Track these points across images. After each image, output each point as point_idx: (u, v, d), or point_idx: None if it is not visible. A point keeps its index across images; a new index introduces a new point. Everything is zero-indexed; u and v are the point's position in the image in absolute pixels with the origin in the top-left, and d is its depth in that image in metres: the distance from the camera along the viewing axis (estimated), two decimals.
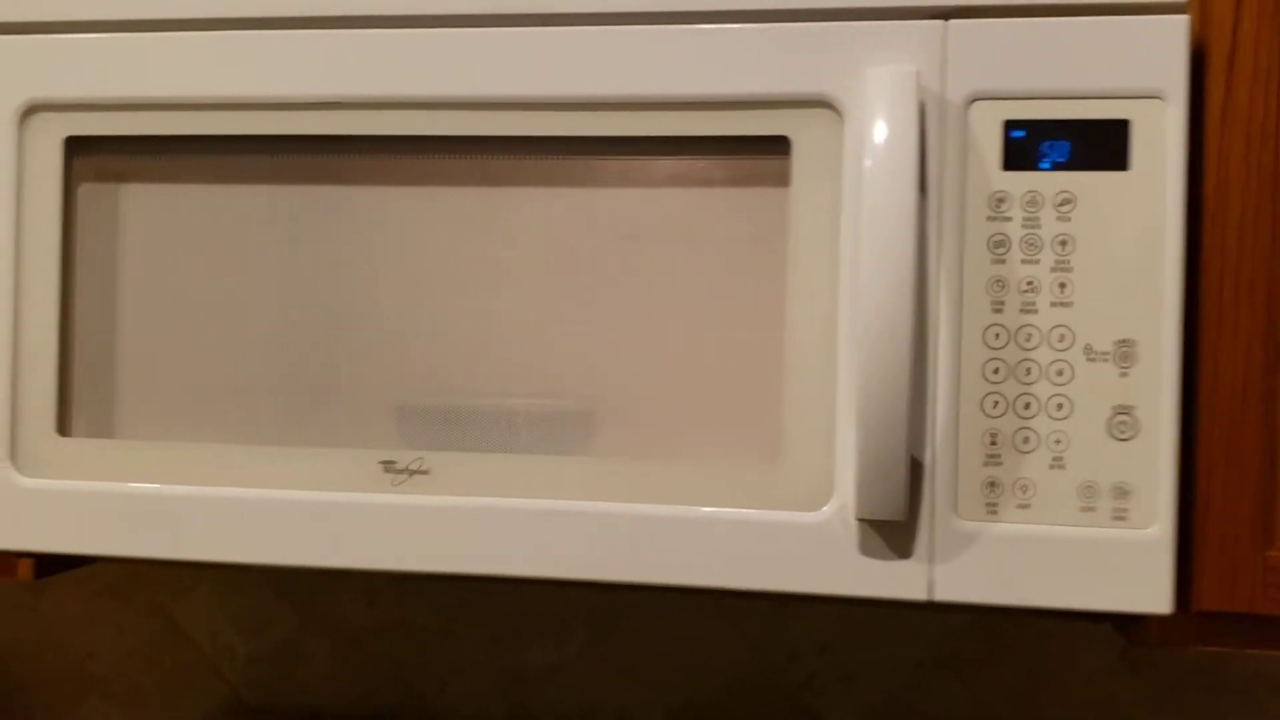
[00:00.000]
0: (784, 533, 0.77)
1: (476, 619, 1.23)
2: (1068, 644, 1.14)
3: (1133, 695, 1.13)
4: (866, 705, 1.17)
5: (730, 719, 1.19)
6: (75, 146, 0.85)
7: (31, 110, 0.85)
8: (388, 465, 0.81)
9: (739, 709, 1.19)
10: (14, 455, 0.86)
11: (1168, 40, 0.74)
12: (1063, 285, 0.75)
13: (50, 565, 0.98)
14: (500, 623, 1.22)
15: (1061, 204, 0.75)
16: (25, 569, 0.95)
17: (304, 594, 1.26)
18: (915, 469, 0.75)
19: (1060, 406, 0.75)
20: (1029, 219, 0.75)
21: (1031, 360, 0.75)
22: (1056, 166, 0.75)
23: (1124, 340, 0.74)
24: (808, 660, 1.18)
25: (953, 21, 0.76)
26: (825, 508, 0.76)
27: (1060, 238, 0.75)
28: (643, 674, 1.21)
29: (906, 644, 1.16)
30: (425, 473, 0.81)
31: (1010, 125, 0.75)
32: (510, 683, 1.22)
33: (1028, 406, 0.75)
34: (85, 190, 0.86)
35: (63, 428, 0.86)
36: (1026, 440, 0.75)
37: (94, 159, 0.86)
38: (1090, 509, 0.75)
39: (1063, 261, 0.74)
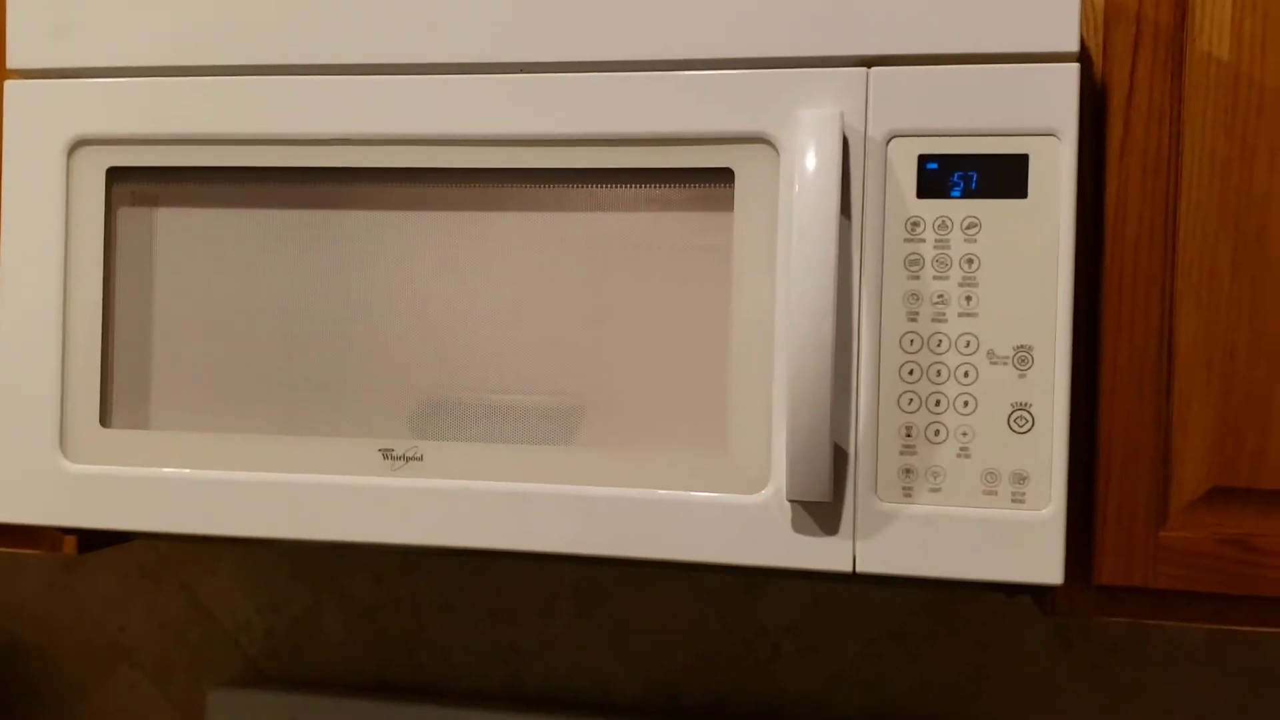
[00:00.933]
0: (728, 512, 0.87)
1: (475, 595, 1.33)
2: (1009, 620, 1.24)
3: (1065, 668, 1.23)
4: (826, 675, 1.27)
5: (703, 688, 1.30)
6: (115, 175, 0.97)
7: (79, 144, 0.96)
8: (386, 452, 0.92)
9: (711, 679, 1.29)
10: (62, 444, 0.97)
11: (1061, 85, 0.84)
12: (969, 298, 0.85)
13: (91, 542, 1.10)
14: (497, 599, 1.33)
15: (968, 227, 0.85)
16: (69, 544, 1.07)
17: (318, 573, 1.36)
18: (840, 457, 0.86)
19: (966, 403, 0.85)
20: (940, 240, 0.85)
21: (942, 363, 0.85)
22: (965, 194, 0.85)
23: (1022, 346, 0.85)
24: (773, 635, 1.28)
25: (874, 69, 0.86)
26: (763, 491, 0.87)
27: (967, 256, 0.85)
28: (624, 646, 1.31)
29: (863, 620, 1.27)
30: (419, 459, 0.92)
31: (924, 159, 0.85)
32: (506, 653, 1.33)
33: (938, 403, 0.85)
34: (124, 213, 0.97)
35: (104, 420, 0.97)
36: (937, 433, 0.85)
37: (131, 186, 0.97)
38: (993, 492, 0.85)
39: (969, 277, 0.85)
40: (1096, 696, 1.22)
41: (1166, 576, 0.90)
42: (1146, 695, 1.21)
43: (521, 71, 0.90)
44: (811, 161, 0.83)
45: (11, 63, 0.97)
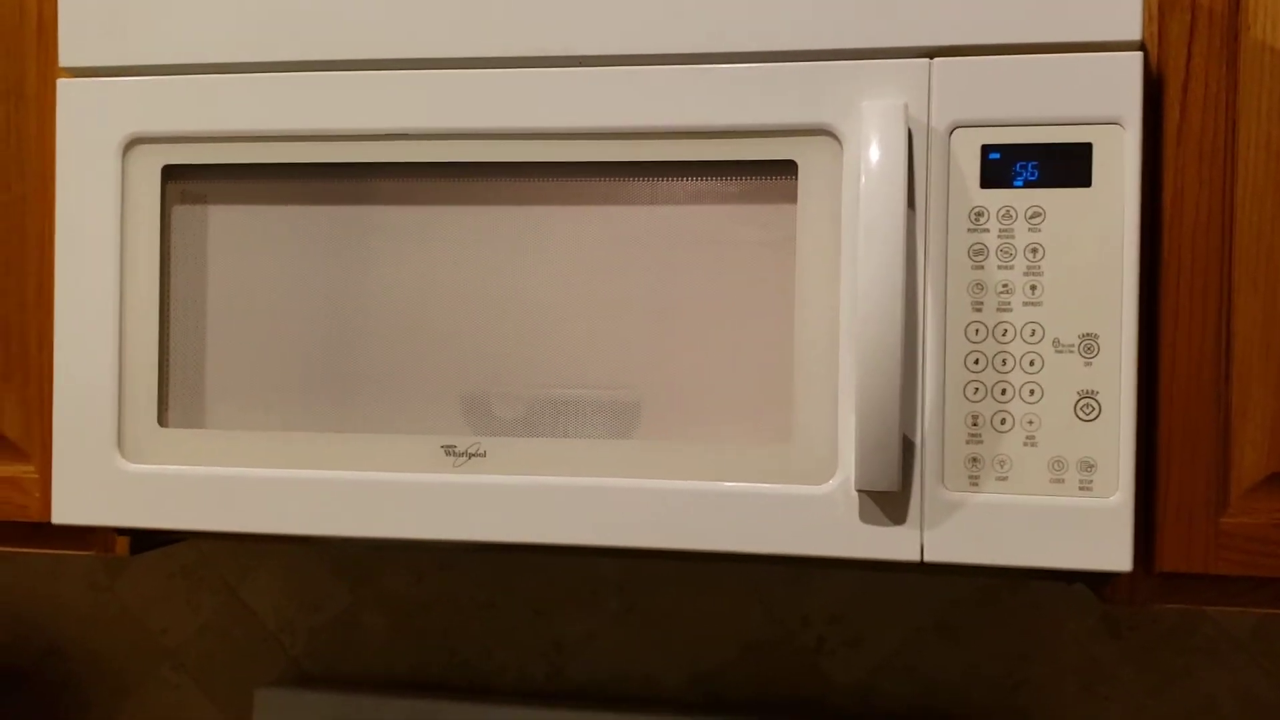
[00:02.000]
0: (794, 504, 0.88)
1: (517, 593, 1.34)
2: (1053, 610, 1.24)
3: (1112, 656, 1.24)
4: (871, 666, 1.28)
5: (748, 680, 1.30)
6: (170, 173, 0.96)
7: (134, 143, 0.96)
8: (449, 449, 0.92)
9: (756, 671, 1.30)
10: (120, 445, 0.97)
11: (1124, 74, 0.84)
12: (1033, 287, 0.85)
13: (143, 543, 1.09)
14: (539, 596, 1.33)
15: (1032, 217, 0.85)
16: (122, 545, 1.07)
17: (358, 573, 1.37)
18: (907, 447, 0.86)
19: (1033, 392, 0.85)
20: (1004, 230, 0.86)
21: (1007, 352, 0.86)
22: (1028, 184, 0.85)
23: (1088, 334, 0.85)
24: (818, 626, 1.29)
25: (936, 60, 0.86)
26: (830, 481, 0.88)
27: (1031, 246, 0.85)
28: (669, 641, 1.31)
29: (907, 611, 1.27)
30: (483, 455, 0.92)
31: (987, 149, 0.86)
32: (549, 650, 1.33)
33: (1004, 392, 0.86)
34: (178, 211, 0.97)
35: (162, 419, 0.97)
36: (1004, 421, 0.86)
37: (184, 184, 0.97)
38: (1060, 480, 0.85)
39: (1034, 267, 0.85)
40: (1142, 685, 1.23)
41: (1227, 562, 0.91)
42: (1193, 683, 1.22)
43: (580, 65, 0.91)
44: (876, 153, 0.83)
45: (64, 61, 0.97)
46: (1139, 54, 0.84)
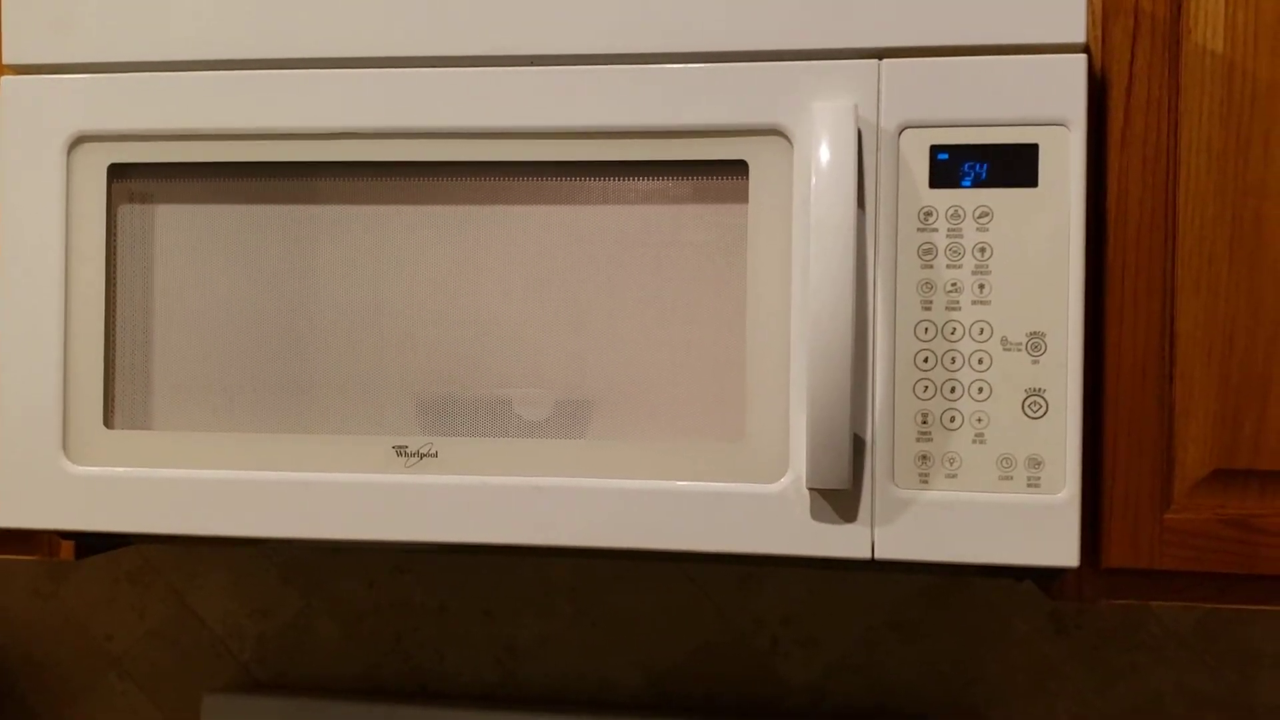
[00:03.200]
0: (747, 502, 0.88)
1: (469, 596, 1.33)
2: (1003, 609, 1.26)
3: (1061, 653, 1.25)
4: (824, 666, 1.28)
5: (703, 681, 1.30)
6: (116, 172, 0.95)
7: (79, 141, 0.95)
8: (400, 449, 0.92)
9: (710, 672, 1.30)
10: (65, 446, 0.95)
11: (1069, 76, 0.85)
12: (982, 286, 0.86)
13: (88, 548, 1.08)
14: (491, 599, 1.33)
15: (980, 216, 0.86)
16: (67, 550, 1.05)
17: (308, 577, 1.35)
18: (858, 445, 0.87)
19: (981, 390, 0.86)
20: (952, 229, 0.87)
21: (956, 350, 0.87)
22: (976, 184, 0.86)
23: (1035, 332, 0.86)
24: (771, 627, 1.29)
25: (885, 60, 0.87)
26: (782, 480, 0.88)
27: (980, 245, 0.86)
28: (622, 643, 1.31)
29: (859, 611, 1.28)
30: (434, 455, 0.91)
31: (936, 149, 0.87)
32: (502, 653, 1.33)
33: (953, 390, 0.87)
34: (124, 210, 0.96)
35: (108, 421, 0.95)
36: (953, 419, 0.87)
37: (131, 183, 0.96)
38: (1008, 478, 0.86)
39: (982, 266, 0.86)
40: (1090, 681, 1.24)
41: (1171, 558, 0.92)
42: (1139, 679, 1.24)
43: (532, 64, 0.91)
44: (827, 154, 0.84)
45: (8, 58, 0.95)
46: (1083, 57, 0.86)
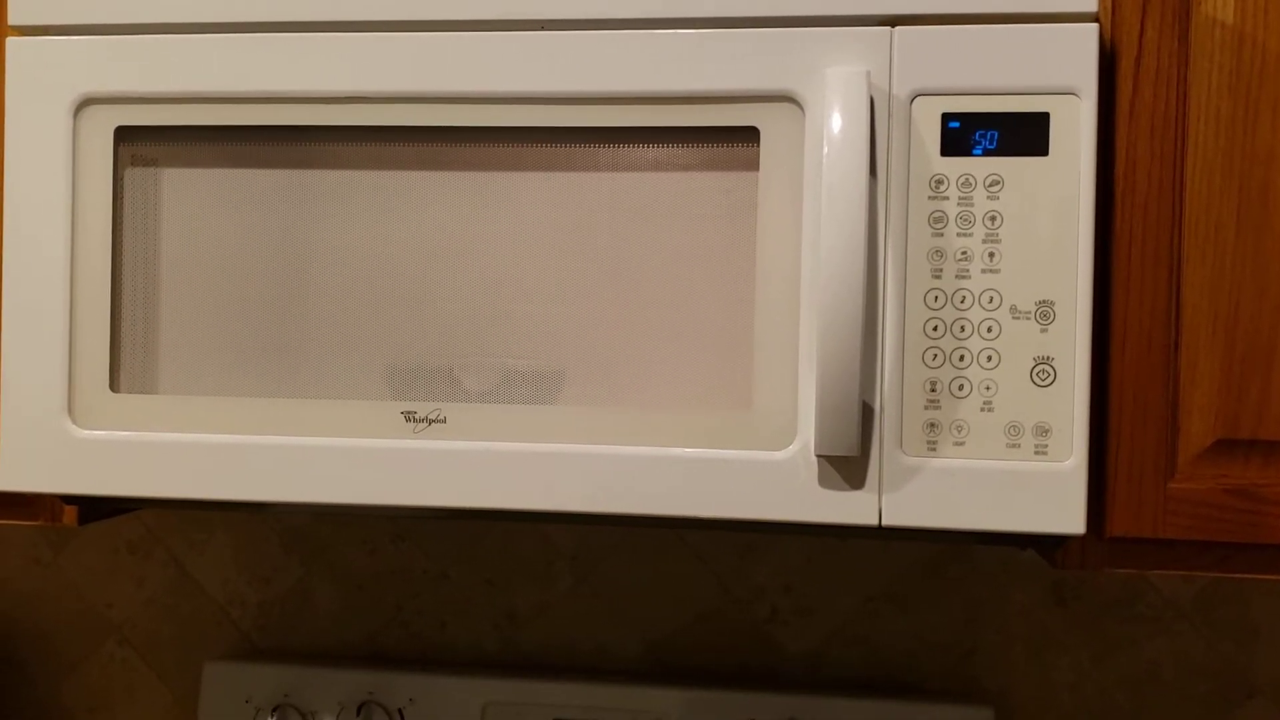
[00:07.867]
0: (754, 469, 0.88)
1: (470, 564, 1.33)
2: (1001, 579, 1.26)
3: (1059, 624, 1.26)
4: (823, 635, 1.29)
5: (701, 649, 1.31)
6: (123, 135, 0.94)
7: (85, 103, 0.94)
8: (409, 415, 0.92)
9: (709, 641, 1.31)
10: (70, 410, 0.95)
11: (1081, 45, 0.85)
12: (992, 254, 0.86)
13: (92, 513, 1.08)
14: (492, 567, 1.33)
15: (991, 185, 0.87)
16: (70, 515, 1.05)
17: (309, 545, 1.35)
18: (866, 412, 0.87)
19: (990, 358, 0.87)
20: (963, 198, 0.87)
21: (965, 319, 0.87)
22: (987, 153, 0.86)
23: (1044, 301, 0.86)
24: (770, 596, 1.30)
25: (898, 28, 0.87)
26: (790, 447, 0.88)
27: (990, 214, 0.86)
28: (622, 611, 1.32)
29: (858, 580, 1.28)
30: (443, 421, 0.91)
31: (947, 117, 0.87)
32: (502, 620, 1.33)
33: (962, 358, 0.87)
34: (131, 173, 0.95)
35: (114, 385, 0.95)
36: (961, 387, 0.87)
37: (137, 145, 0.95)
38: (1016, 445, 0.87)
39: (992, 234, 0.86)
40: (1088, 651, 1.25)
41: (1175, 527, 0.93)
42: (1137, 649, 1.25)
43: (543, 29, 0.90)
44: (839, 121, 0.84)
45: (14, 19, 0.94)
46: (1094, 25, 0.86)
